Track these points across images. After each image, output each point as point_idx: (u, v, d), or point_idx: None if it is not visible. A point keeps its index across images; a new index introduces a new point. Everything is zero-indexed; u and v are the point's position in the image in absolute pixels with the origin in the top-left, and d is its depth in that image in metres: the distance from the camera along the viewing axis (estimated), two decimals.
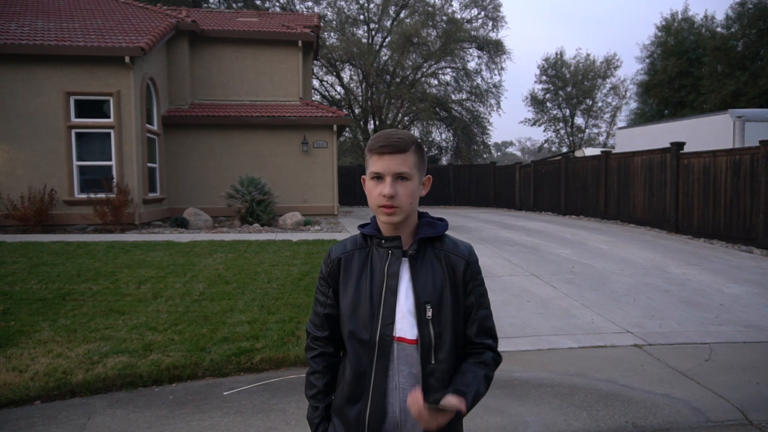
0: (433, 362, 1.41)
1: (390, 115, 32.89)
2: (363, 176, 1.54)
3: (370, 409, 1.41)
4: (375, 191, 1.43)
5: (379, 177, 1.43)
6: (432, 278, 1.45)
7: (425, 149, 1.60)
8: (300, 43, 16.52)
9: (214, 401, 3.71)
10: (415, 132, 35.10)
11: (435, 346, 1.41)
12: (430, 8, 31.50)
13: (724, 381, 4.02)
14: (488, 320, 1.51)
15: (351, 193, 24.92)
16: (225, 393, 3.84)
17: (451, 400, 1.30)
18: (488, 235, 11.66)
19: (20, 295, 5.93)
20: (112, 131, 12.16)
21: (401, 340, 1.42)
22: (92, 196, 11.83)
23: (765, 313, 5.76)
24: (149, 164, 13.31)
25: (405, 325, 1.42)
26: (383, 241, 1.47)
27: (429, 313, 1.41)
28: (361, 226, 1.56)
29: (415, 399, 1.30)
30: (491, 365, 1.48)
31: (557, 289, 6.82)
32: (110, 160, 12.23)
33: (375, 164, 1.43)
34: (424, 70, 33.04)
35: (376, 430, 1.42)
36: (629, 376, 4.13)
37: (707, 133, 14.29)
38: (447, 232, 1.55)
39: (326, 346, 1.55)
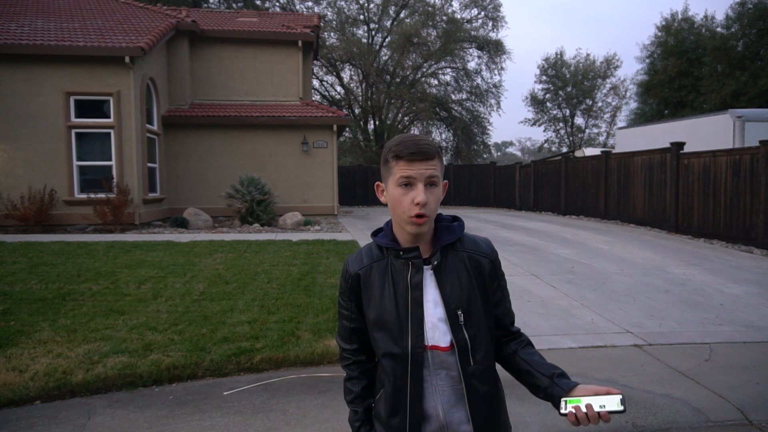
0: (472, 364, 1.41)
1: (390, 115, 32.90)
2: (378, 183, 1.50)
3: (409, 419, 1.42)
4: (405, 200, 1.38)
5: (408, 184, 1.38)
6: (459, 283, 1.43)
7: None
8: (300, 43, 16.53)
9: (214, 401, 3.71)
10: (415, 132, 35.14)
11: (472, 348, 1.41)
12: (430, 8, 31.51)
13: (724, 381, 4.02)
14: (511, 307, 1.58)
15: (351, 193, 24.93)
16: (225, 393, 3.84)
17: (594, 387, 1.33)
18: (488, 235, 11.64)
19: (20, 295, 5.93)
20: (112, 131, 12.16)
21: (435, 348, 1.41)
22: (92, 196, 11.83)
23: (765, 313, 5.76)
24: (149, 164, 13.31)
25: (437, 334, 1.41)
26: (401, 252, 1.44)
27: (461, 319, 1.41)
28: (374, 234, 1.53)
29: (589, 414, 1.30)
30: (533, 344, 1.56)
31: (557, 289, 6.83)
32: (110, 160, 12.22)
33: (405, 170, 1.38)
34: (424, 70, 33.05)
35: None
36: (629, 376, 4.13)
37: (707, 133, 14.29)
38: None
39: (358, 355, 1.57)
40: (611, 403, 1.28)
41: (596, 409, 1.29)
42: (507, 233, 12.13)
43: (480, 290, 1.45)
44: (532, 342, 1.57)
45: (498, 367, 1.52)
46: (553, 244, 10.37)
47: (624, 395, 1.31)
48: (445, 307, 1.41)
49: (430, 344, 1.41)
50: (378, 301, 1.44)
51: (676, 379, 4.08)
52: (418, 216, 1.36)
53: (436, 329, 1.41)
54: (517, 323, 1.61)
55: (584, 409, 1.30)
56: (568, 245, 10.17)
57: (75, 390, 3.79)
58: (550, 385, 1.42)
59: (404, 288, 1.42)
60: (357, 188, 25.22)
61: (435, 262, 1.43)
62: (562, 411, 1.35)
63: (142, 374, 3.99)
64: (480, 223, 14.93)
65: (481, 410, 1.43)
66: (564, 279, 7.33)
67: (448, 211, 1.56)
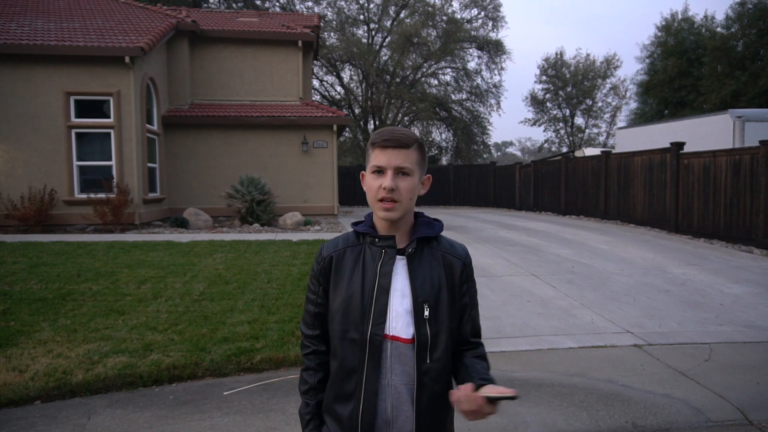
0: (428, 361, 1.41)
1: (390, 115, 32.89)
2: (362, 172, 1.53)
3: (362, 408, 1.41)
4: (375, 185, 1.43)
5: (380, 171, 1.43)
6: (430, 278, 1.44)
7: (426, 149, 1.58)
8: (300, 43, 16.52)
9: (214, 401, 3.71)
10: (415, 132, 35.13)
11: (431, 345, 1.41)
12: (430, 8, 31.50)
13: (724, 381, 4.02)
14: (478, 319, 1.56)
15: (351, 193, 24.93)
16: (225, 393, 3.84)
17: (499, 389, 1.32)
18: (488, 235, 11.65)
19: (20, 295, 5.93)
20: (112, 131, 12.16)
21: (395, 338, 1.41)
22: (92, 196, 11.82)
23: (765, 313, 5.76)
24: (149, 164, 13.31)
25: (400, 324, 1.41)
26: (377, 239, 1.46)
27: (426, 313, 1.41)
28: (354, 224, 1.55)
29: (466, 393, 1.31)
30: (487, 359, 1.53)
31: (557, 289, 6.82)
32: (110, 160, 12.22)
33: (377, 158, 1.43)
34: (424, 70, 33.05)
35: (369, 428, 1.41)
36: (629, 376, 4.13)
37: (707, 133, 14.30)
38: (446, 233, 1.56)
39: (319, 344, 1.55)
40: (499, 394, 1.29)
41: (479, 392, 1.30)
42: (507, 233, 12.13)
43: (448, 290, 1.46)
44: (487, 357, 1.55)
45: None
46: (553, 244, 10.37)
47: (519, 395, 1.31)
48: (412, 298, 1.42)
49: (391, 334, 1.41)
50: (346, 285, 1.45)
51: (676, 379, 4.08)
52: (386, 199, 1.40)
53: (400, 319, 1.41)
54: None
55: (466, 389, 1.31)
56: (568, 245, 10.17)
57: (75, 390, 3.79)
58: (471, 383, 1.41)
59: (373, 275, 1.43)
60: (357, 188, 25.20)
61: (410, 250, 1.45)
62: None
63: (142, 374, 4.00)
64: (480, 223, 14.93)
65: (428, 410, 1.42)
66: (564, 279, 7.32)
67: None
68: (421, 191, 1.50)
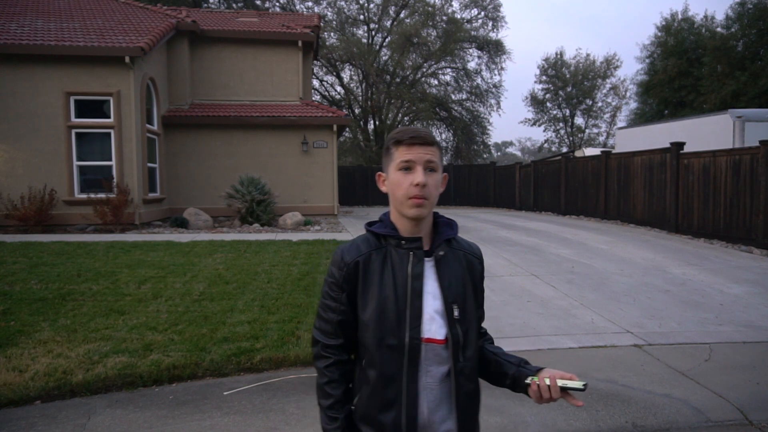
0: (461, 360, 1.43)
1: (390, 115, 32.90)
2: (379, 173, 1.50)
3: (405, 413, 1.39)
4: (405, 181, 1.40)
5: (408, 168, 1.40)
6: (456, 278, 1.45)
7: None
8: (300, 44, 16.52)
9: (214, 401, 3.72)
10: None
11: (463, 344, 1.43)
12: (430, 8, 31.50)
13: (724, 381, 4.02)
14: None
15: (351, 193, 24.93)
16: (225, 393, 3.84)
17: (559, 373, 1.40)
18: (488, 235, 11.65)
19: (20, 295, 5.93)
20: (112, 131, 12.16)
21: (430, 341, 1.41)
22: (92, 196, 11.82)
23: (765, 313, 5.76)
24: (149, 164, 13.31)
25: (433, 326, 1.41)
26: (403, 241, 1.44)
27: (456, 313, 1.42)
28: (369, 225, 1.51)
29: (554, 383, 1.38)
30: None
31: (557, 289, 6.82)
32: (110, 160, 12.22)
33: (404, 154, 1.41)
34: (424, 70, 33.05)
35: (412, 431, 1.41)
36: (629, 376, 4.13)
37: (707, 133, 14.30)
38: None
39: (341, 354, 1.49)
40: (573, 384, 1.36)
41: (559, 384, 1.37)
42: (507, 233, 12.13)
43: (472, 289, 1.49)
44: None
45: None
46: (553, 244, 10.37)
47: (588, 384, 1.39)
48: (443, 300, 1.42)
49: (426, 336, 1.40)
50: (377, 291, 1.41)
51: (676, 379, 4.08)
52: (418, 197, 1.39)
53: (433, 322, 1.41)
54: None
55: (548, 382, 1.37)
56: (568, 245, 10.17)
57: (75, 390, 3.79)
58: (517, 370, 1.48)
59: (404, 278, 1.41)
60: (357, 188, 25.21)
61: (441, 253, 1.45)
62: (526, 381, 1.43)
63: (142, 374, 4.00)
64: (480, 223, 14.93)
65: (466, 408, 1.45)
66: (564, 279, 7.32)
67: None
68: (440, 189, 1.49)
